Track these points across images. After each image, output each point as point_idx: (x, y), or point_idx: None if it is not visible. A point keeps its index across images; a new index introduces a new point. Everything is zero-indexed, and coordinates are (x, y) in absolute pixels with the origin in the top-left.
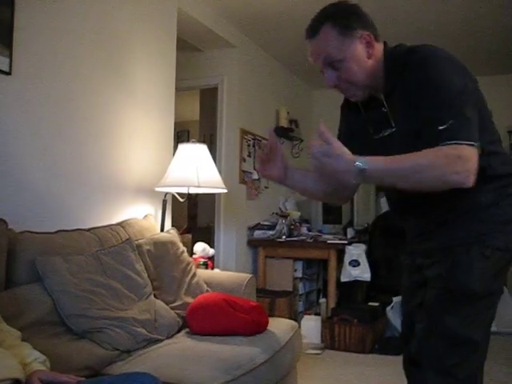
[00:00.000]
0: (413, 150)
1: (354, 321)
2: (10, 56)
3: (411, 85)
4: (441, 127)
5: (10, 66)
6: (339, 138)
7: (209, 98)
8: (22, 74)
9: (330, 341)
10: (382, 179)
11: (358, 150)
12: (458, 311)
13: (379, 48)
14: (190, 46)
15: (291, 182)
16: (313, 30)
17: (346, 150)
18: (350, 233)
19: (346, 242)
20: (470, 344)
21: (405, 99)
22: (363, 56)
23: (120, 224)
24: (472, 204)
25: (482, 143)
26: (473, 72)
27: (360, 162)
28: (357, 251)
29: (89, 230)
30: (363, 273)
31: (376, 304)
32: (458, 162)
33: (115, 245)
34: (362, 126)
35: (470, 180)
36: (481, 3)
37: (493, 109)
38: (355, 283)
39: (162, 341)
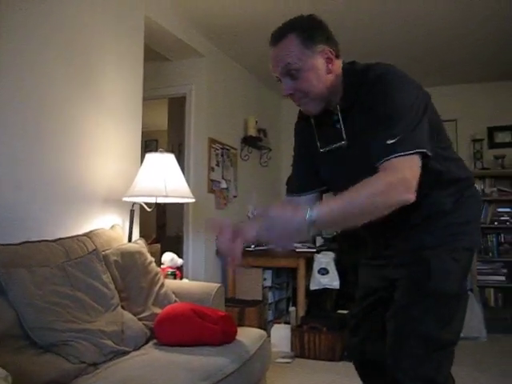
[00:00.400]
0: (364, 165)
1: (323, 329)
2: None
3: (368, 102)
4: (389, 141)
5: None
6: (294, 158)
7: (177, 107)
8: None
9: (300, 349)
10: (332, 225)
11: (309, 166)
12: (434, 314)
13: (339, 64)
14: (158, 56)
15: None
16: (277, 37)
17: (286, 209)
18: (319, 241)
19: (314, 250)
20: (448, 346)
21: (361, 116)
22: (322, 70)
23: (87, 234)
24: (435, 209)
25: (436, 149)
26: (434, 82)
27: (308, 214)
28: (325, 259)
29: (55, 240)
30: (332, 281)
31: (345, 312)
32: (402, 183)
33: (82, 256)
34: (313, 140)
35: (412, 197)
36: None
37: (457, 118)
38: (324, 291)
39: (129, 353)
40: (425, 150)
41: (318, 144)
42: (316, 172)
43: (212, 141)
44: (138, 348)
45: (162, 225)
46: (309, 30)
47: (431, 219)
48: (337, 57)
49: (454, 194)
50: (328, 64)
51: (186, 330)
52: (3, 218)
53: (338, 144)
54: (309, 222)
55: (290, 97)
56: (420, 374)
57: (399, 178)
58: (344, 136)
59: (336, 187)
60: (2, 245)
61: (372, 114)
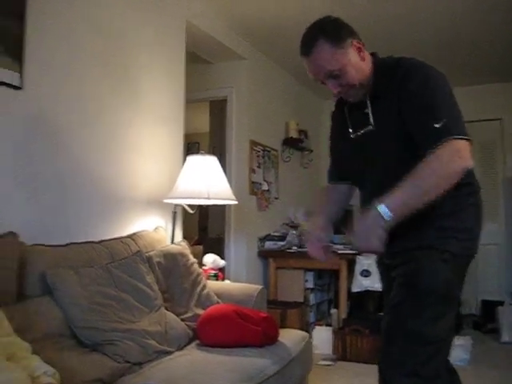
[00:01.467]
0: (390, 153)
1: (365, 331)
2: (21, 70)
3: (401, 92)
4: (436, 125)
5: (21, 81)
6: (330, 147)
7: (218, 109)
8: (33, 88)
9: (342, 352)
10: (405, 213)
11: (340, 150)
12: (421, 311)
13: (367, 53)
14: (199, 59)
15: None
16: (307, 47)
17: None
18: None
19: (356, 252)
20: (436, 343)
21: (391, 104)
22: (358, 60)
23: (130, 236)
24: (434, 211)
25: None
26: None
27: (384, 215)
28: (368, 261)
29: (99, 242)
30: (374, 283)
31: None
32: (456, 154)
33: (126, 257)
34: (345, 126)
35: (471, 163)
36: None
37: (502, 117)
38: (366, 293)
39: (172, 353)
40: (469, 138)
41: (350, 130)
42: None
43: (253, 143)
44: (181, 348)
45: (203, 227)
46: (333, 30)
47: (429, 219)
48: (364, 46)
49: (456, 198)
50: (359, 53)
51: (228, 331)
52: (49, 220)
53: (366, 129)
54: (387, 217)
55: (338, 94)
56: (406, 368)
57: (455, 149)
58: (371, 121)
59: (359, 176)
60: (49, 246)
61: (408, 103)
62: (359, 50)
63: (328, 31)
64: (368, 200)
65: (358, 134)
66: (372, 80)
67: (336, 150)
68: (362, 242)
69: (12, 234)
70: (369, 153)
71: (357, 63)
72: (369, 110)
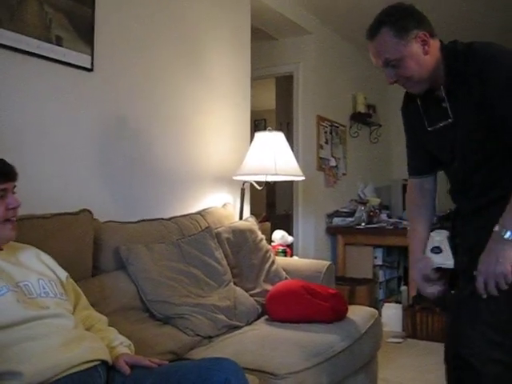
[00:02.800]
0: (476, 144)
1: (436, 309)
2: (92, 53)
3: (479, 84)
4: None
5: (92, 63)
6: (407, 143)
7: (285, 85)
8: (103, 71)
9: (412, 329)
10: None
11: (422, 148)
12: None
13: (435, 45)
14: (264, 35)
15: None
16: (372, 32)
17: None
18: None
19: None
20: None
21: (471, 96)
22: (420, 53)
23: (199, 213)
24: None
25: None
26: None
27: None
28: (439, 237)
29: (169, 219)
30: (446, 260)
31: None
32: None
33: (195, 233)
34: (420, 120)
35: None
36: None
37: None
38: (437, 270)
39: (241, 327)
40: None
41: (426, 123)
42: (430, 153)
43: (320, 118)
44: (250, 323)
45: (271, 203)
46: (399, 20)
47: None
48: (432, 36)
49: None
50: (424, 46)
51: (297, 306)
52: (121, 198)
53: (445, 122)
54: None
55: (394, 84)
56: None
57: None
58: (450, 114)
59: (448, 166)
60: (121, 223)
61: (488, 94)
62: (424, 42)
63: (394, 19)
64: (459, 190)
65: (437, 127)
66: (444, 71)
67: (417, 143)
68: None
69: (87, 212)
70: (453, 144)
71: (419, 57)
72: (446, 104)
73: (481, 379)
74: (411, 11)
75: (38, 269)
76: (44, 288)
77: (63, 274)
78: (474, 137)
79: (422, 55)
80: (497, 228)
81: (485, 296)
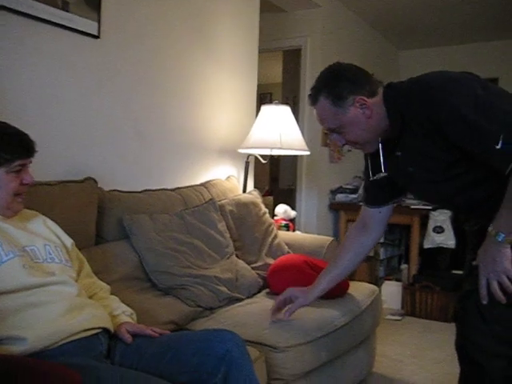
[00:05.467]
0: (439, 183)
1: (436, 288)
2: (99, 20)
3: (424, 122)
4: (497, 146)
5: (99, 30)
6: (364, 175)
7: (292, 59)
8: (110, 38)
9: (411, 307)
10: None
11: (377, 184)
12: None
13: (377, 101)
14: (273, 7)
15: (315, 297)
16: (312, 100)
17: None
18: None
19: (430, 207)
20: None
21: (417, 137)
22: (361, 118)
23: (203, 184)
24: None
25: None
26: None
27: (500, 238)
28: (441, 217)
29: (173, 189)
30: (447, 240)
31: (460, 272)
32: None
33: (199, 205)
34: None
35: None
36: None
37: (499, 76)
38: (439, 250)
39: (242, 300)
40: None
41: (370, 172)
42: (384, 188)
43: None
44: (251, 296)
45: (275, 177)
46: (335, 88)
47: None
48: (372, 95)
49: None
50: (364, 110)
51: (298, 280)
52: (126, 167)
53: (380, 175)
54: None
55: (343, 146)
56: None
57: None
58: (382, 168)
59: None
60: (126, 192)
61: (438, 132)
62: (363, 106)
63: (330, 87)
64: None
65: (373, 179)
66: (389, 122)
67: (370, 181)
68: (490, 267)
69: (92, 180)
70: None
71: (360, 121)
72: (380, 156)
73: (485, 374)
74: (345, 76)
75: (44, 235)
76: (50, 254)
77: (69, 241)
78: (428, 178)
79: (364, 119)
80: (490, 229)
81: (485, 302)
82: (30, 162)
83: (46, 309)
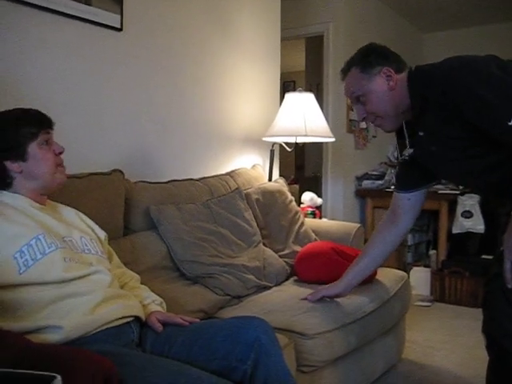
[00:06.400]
0: (461, 162)
1: (465, 273)
2: (121, 13)
3: (445, 103)
4: (509, 123)
5: (121, 23)
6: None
7: (315, 46)
8: (133, 30)
9: (440, 293)
10: None
11: (410, 167)
12: None
13: (402, 78)
14: None
15: (351, 288)
16: (343, 73)
17: None
18: None
19: (458, 192)
20: None
21: (438, 116)
22: (385, 88)
23: (229, 174)
24: None
25: None
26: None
27: None
28: (470, 202)
29: (199, 179)
30: (476, 224)
31: (490, 257)
32: None
33: (225, 194)
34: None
35: None
36: None
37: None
38: (467, 235)
39: (270, 288)
40: None
41: (399, 153)
42: (413, 172)
43: None
44: (279, 284)
45: (300, 165)
46: (365, 57)
47: None
48: (399, 71)
49: None
50: (389, 81)
51: (326, 267)
52: (151, 158)
53: (407, 152)
54: None
55: (363, 121)
56: None
57: None
58: (408, 144)
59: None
60: (152, 183)
61: (457, 112)
62: (389, 78)
63: (361, 57)
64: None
65: (403, 157)
66: (411, 104)
67: (402, 163)
68: None
69: (119, 172)
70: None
71: (383, 91)
72: (405, 133)
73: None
74: (376, 49)
75: (79, 226)
76: (86, 245)
77: (102, 233)
78: (453, 156)
79: (388, 90)
80: None
81: (510, 286)
82: (52, 133)
83: (84, 299)
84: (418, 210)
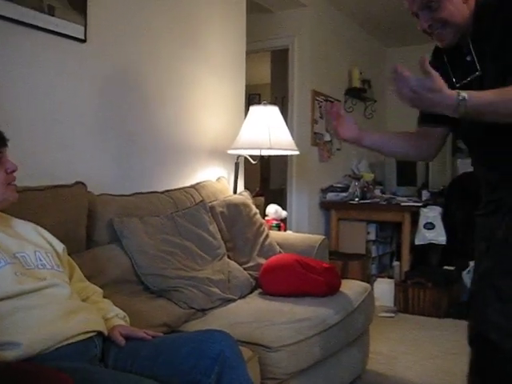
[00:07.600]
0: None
1: (428, 284)
2: (85, 24)
3: (502, 28)
4: None
5: (85, 34)
6: None
7: (280, 59)
8: (97, 42)
9: (404, 304)
10: (482, 111)
11: None
12: None
13: None
14: (260, 7)
15: (369, 142)
16: None
17: (444, 84)
18: (425, 195)
19: (420, 204)
20: None
21: (498, 45)
22: None
23: (194, 186)
24: None
25: None
26: None
27: (462, 93)
28: (432, 214)
29: (163, 192)
30: (438, 236)
31: (451, 268)
32: None
33: (189, 207)
34: (448, 77)
35: None
36: None
37: None
38: (430, 246)
39: (235, 300)
40: None
41: (454, 80)
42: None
43: (315, 93)
44: (244, 297)
45: (265, 178)
46: None
47: None
48: None
49: None
50: None
51: (291, 280)
52: (115, 171)
53: (473, 76)
54: (459, 100)
55: (428, 29)
56: None
57: None
58: (478, 66)
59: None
60: (115, 195)
61: (506, 40)
62: None
63: None
64: (480, 156)
65: (465, 81)
66: (472, 22)
67: None
68: (423, 92)
69: (81, 184)
70: None
71: (457, 2)
72: (473, 54)
73: (499, 352)
74: None
75: (34, 241)
76: (41, 260)
77: (60, 246)
78: (495, 87)
79: (461, 1)
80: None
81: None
82: (6, 150)
83: (39, 312)
84: (438, 148)
